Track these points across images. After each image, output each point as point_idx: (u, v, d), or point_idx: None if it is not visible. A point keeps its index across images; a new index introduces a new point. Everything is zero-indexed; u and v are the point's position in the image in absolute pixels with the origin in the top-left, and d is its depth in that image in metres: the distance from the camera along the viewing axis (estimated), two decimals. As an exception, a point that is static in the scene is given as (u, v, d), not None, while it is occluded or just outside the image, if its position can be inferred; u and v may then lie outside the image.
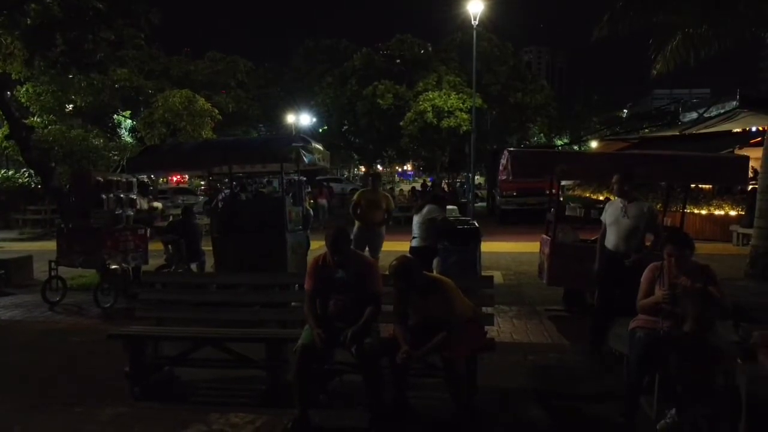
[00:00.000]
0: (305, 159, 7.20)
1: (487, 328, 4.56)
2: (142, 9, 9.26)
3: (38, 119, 18.90)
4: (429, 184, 31.33)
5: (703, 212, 14.75)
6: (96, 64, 9.88)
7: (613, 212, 5.49)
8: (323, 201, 22.37)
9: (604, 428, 4.05)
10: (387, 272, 4.19)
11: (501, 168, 7.45)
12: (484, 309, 4.65)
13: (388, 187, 35.40)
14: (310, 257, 8.32)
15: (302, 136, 8.13)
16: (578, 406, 4.50)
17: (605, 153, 10.36)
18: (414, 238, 7.18)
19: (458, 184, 35.94)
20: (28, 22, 8.92)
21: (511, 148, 7.40)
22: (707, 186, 15.16)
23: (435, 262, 7.07)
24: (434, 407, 4.29)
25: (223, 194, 9.65)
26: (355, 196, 8.65)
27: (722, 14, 9.29)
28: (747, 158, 7.06)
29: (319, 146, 7.95)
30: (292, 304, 5.14)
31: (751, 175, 8.36)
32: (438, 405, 4.23)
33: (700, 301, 3.71)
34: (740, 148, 15.07)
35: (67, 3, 8.72)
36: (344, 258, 4.14)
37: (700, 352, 3.58)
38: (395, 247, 9.86)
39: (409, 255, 4.44)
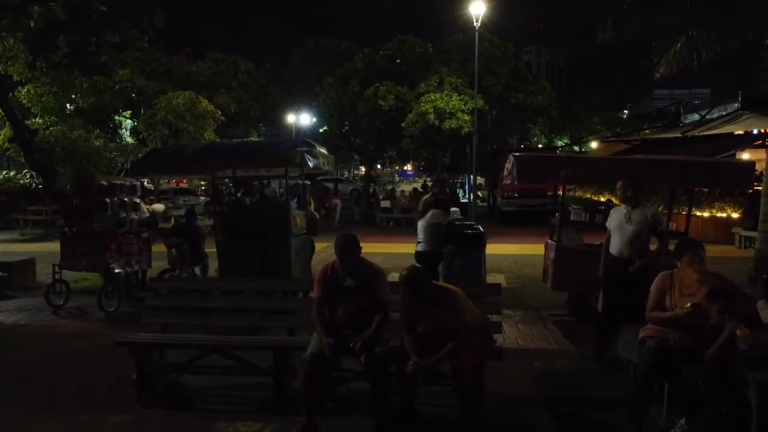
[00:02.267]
0: (310, 163, 7.22)
1: (495, 338, 4.55)
2: (145, 11, 9.25)
3: (40, 120, 18.88)
4: (429, 184, 31.25)
5: (705, 214, 14.74)
6: (99, 66, 9.85)
7: (617, 218, 5.49)
8: (337, 201, 22.91)
9: (612, 436, 4.05)
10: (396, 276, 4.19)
11: (506, 173, 7.44)
12: (491, 316, 4.64)
13: (389, 188, 35.32)
14: (315, 260, 8.36)
15: (306, 140, 8.13)
16: (585, 412, 4.51)
17: (610, 157, 10.36)
18: (419, 242, 7.16)
19: (458, 184, 35.87)
20: (31, 24, 8.89)
21: (516, 153, 7.38)
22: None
23: (440, 266, 7.06)
24: (441, 414, 4.30)
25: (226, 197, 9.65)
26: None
27: (725, 16, 9.29)
28: (753, 163, 7.06)
29: (323, 150, 7.95)
30: (299, 310, 5.13)
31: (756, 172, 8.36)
32: (445, 412, 4.23)
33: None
34: (742, 150, 15.08)
35: (70, 5, 8.69)
36: (352, 265, 4.13)
37: (725, 355, 3.55)
38: (398, 249, 9.86)
39: (417, 264, 4.45)
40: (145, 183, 18.16)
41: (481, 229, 7.51)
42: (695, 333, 3.70)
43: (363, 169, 41.03)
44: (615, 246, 5.46)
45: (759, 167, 10.27)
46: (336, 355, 4.05)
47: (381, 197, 25.81)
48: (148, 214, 10.81)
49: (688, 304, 3.77)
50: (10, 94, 11.58)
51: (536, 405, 4.57)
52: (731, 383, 3.63)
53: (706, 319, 3.69)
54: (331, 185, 27.00)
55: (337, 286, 4.17)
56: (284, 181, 9.35)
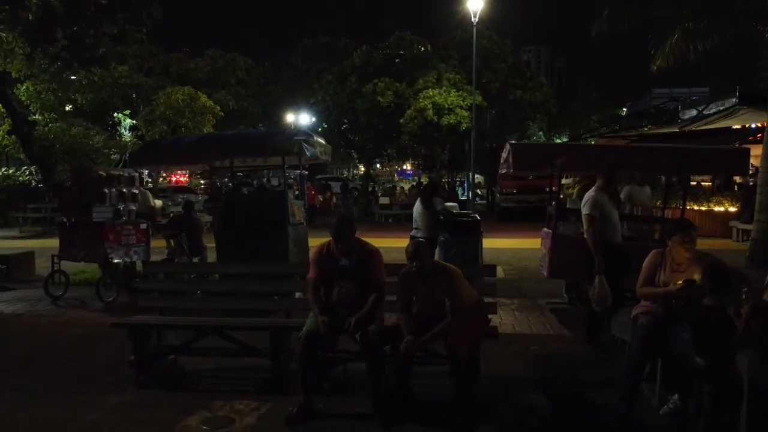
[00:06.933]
0: (307, 152, 7.21)
1: (489, 318, 4.58)
2: (143, 3, 9.27)
3: (39, 117, 18.87)
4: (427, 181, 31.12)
5: (703, 208, 14.74)
6: (97, 59, 9.88)
7: (606, 205, 5.57)
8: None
9: (605, 415, 4.06)
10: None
11: (501, 161, 7.47)
12: (487, 298, 4.67)
13: (388, 185, 35.26)
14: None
15: (304, 130, 8.14)
16: (579, 393, 4.53)
17: (606, 145, 10.38)
18: (416, 229, 7.16)
19: (457, 183, 35.83)
20: (30, 17, 8.91)
21: (512, 141, 7.42)
22: (707, 183, 15.19)
23: (436, 252, 7.08)
24: (437, 394, 4.31)
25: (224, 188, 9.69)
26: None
27: (721, 8, 9.34)
28: (747, 150, 7.09)
29: (320, 140, 7.96)
30: (297, 295, 5.16)
31: (751, 171, 8.39)
32: (440, 392, 4.25)
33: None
34: (740, 145, 15.10)
35: (68, -3, 8.73)
36: (347, 246, 4.16)
37: (720, 323, 3.58)
38: (397, 243, 9.86)
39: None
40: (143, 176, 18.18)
41: (477, 217, 7.54)
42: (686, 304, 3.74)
43: (362, 168, 40.97)
44: (610, 233, 5.53)
45: (755, 161, 10.29)
46: (332, 334, 4.08)
47: (380, 194, 25.85)
48: (154, 205, 10.83)
49: (681, 281, 3.79)
50: (10, 91, 11.60)
51: (531, 386, 4.59)
52: (726, 358, 3.65)
53: (698, 295, 3.71)
54: (337, 184, 27.79)
55: (332, 267, 4.19)
56: (290, 176, 9.41)
